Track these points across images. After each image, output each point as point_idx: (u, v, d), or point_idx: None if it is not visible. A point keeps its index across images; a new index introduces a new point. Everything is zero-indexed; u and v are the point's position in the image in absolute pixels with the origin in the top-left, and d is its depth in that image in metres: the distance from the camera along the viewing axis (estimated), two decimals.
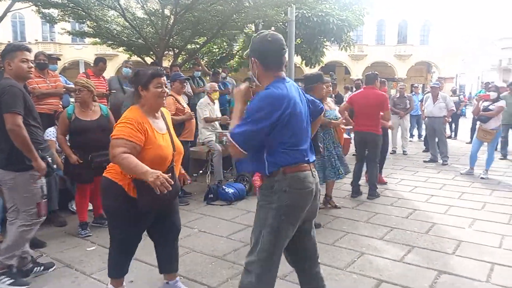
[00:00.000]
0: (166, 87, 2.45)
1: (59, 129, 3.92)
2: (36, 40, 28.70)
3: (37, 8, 9.13)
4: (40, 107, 4.94)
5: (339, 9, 13.96)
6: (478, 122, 6.83)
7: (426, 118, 7.99)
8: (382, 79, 6.89)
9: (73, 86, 6.14)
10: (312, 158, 2.13)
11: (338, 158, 4.60)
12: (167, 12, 8.63)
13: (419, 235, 3.94)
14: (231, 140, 1.94)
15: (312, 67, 15.96)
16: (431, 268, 3.16)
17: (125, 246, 2.52)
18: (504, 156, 8.47)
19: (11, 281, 2.86)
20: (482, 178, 6.40)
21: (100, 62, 5.86)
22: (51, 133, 4.81)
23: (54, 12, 9.46)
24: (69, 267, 3.24)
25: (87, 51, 28.12)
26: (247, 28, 14.04)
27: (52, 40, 29.65)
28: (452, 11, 32.98)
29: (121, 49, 10.92)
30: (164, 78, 2.45)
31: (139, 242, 2.57)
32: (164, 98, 2.44)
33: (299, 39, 13.34)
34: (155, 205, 2.34)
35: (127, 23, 8.81)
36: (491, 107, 6.49)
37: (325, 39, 14.63)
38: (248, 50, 2.13)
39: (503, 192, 5.53)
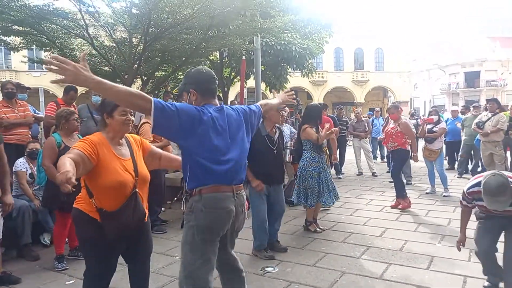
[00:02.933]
0: (131, 114, 2.49)
1: (48, 158, 3.70)
2: None
3: None
4: (8, 137, 4.81)
5: (301, 38, 14.59)
6: (423, 143, 7.38)
7: None
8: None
9: (42, 115, 6.01)
10: (238, 179, 2.26)
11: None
12: (135, 40, 8.68)
13: (394, 252, 4.12)
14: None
15: (277, 92, 16.41)
16: (409, 284, 3.32)
17: (100, 276, 2.45)
18: (461, 175, 9.01)
19: None
20: (444, 196, 6.80)
21: (71, 90, 5.76)
22: (20, 164, 4.65)
23: (16, 39, 9.24)
24: None
25: (46, 78, 27.19)
26: (211, 55, 14.34)
27: (8, 67, 28.48)
28: (401, 39, 35.32)
29: None
30: None
31: (114, 272, 2.52)
32: (129, 125, 2.47)
33: (263, 66, 13.77)
34: (120, 230, 2.35)
35: (94, 51, 8.76)
36: (434, 129, 7.08)
37: (288, 66, 15.21)
38: (181, 86, 2.39)
39: None
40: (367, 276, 3.50)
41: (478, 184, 2.83)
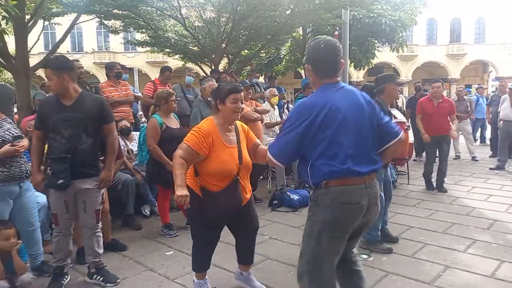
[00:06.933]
0: (242, 103, 2.58)
1: (153, 139, 3.95)
2: (93, 49, 30.32)
3: (99, 20, 9.66)
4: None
5: (391, 9, 13.56)
6: None
7: (502, 122, 7.45)
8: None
9: (140, 95, 6.41)
10: (367, 169, 1.97)
11: None
12: (223, 20, 8.79)
13: (506, 248, 3.68)
14: (268, 152, 2.08)
15: (361, 69, 15.67)
16: None
17: (203, 245, 2.77)
18: None
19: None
20: None
21: (166, 71, 6.04)
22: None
23: (116, 23, 9.93)
24: (152, 271, 3.34)
25: (139, 59, 29.36)
26: (295, 31, 14.02)
27: (106, 49, 31.19)
28: (507, 7, 31.01)
29: (176, 56, 11.26)
30: (242, 94, 2.56)
31: (216, 242, 2.82)
32: (239, 113, 2.56)
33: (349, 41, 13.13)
34: (218, 211, 2.54)
35: (185, 32, 9.07)
36: None
37: (376, 40, 14.30)
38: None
39: None
40: (475, 273, 3.17)
41: None
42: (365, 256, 3.56)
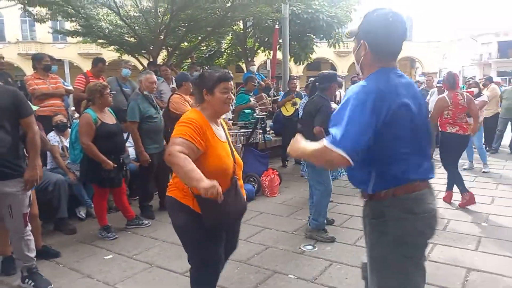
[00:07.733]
0: (232, 92, 2.25)
1: (88, 136, 3.66)
2: (17, 39, 27.80)
3: (22, 6, 8.85)
4: (42, 110, 4.77)
5: (328, 5, 13.99)
6: None
7: (430, 113, 8.00)
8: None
9: (71, 88, 5.95)
10: (433, 173, 1.67)
11: None
12: (161, 10, 8.46)
13: (438, 232, 3.91)
14: (333, 148, 1.46)
15: (301, 64, 16.04)
16: (459, 266, 3.16)
17: (207, 266, 2.26)
18: (496, 150, 8.55)
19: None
20: (484, 172, 6.50)
21: (100, 62, 5.66)
22: (52, 138, 4.62)
23: (41, 10, 9.16)
24: (89, 277, 3.11)
25: (70, 50, 27.39)
26: (235, 25, 13.94)
27: (32, 39, 28.69)
28: (432, 7, 33.64)
29: (111, 47, 10.67)
30: (231, 82, 2.24)
31: (222, 263, 2.32)
32: (230, 104, 2.26)
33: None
34: (220, 221, 2.12)
35: (120, 22, 8.61)
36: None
37: (314, 36, 14.68)
38: (355, 29, 1.72)
39: (508, 186, 5.62)
40: None
41: None
42: (310, 247, 3.62)
